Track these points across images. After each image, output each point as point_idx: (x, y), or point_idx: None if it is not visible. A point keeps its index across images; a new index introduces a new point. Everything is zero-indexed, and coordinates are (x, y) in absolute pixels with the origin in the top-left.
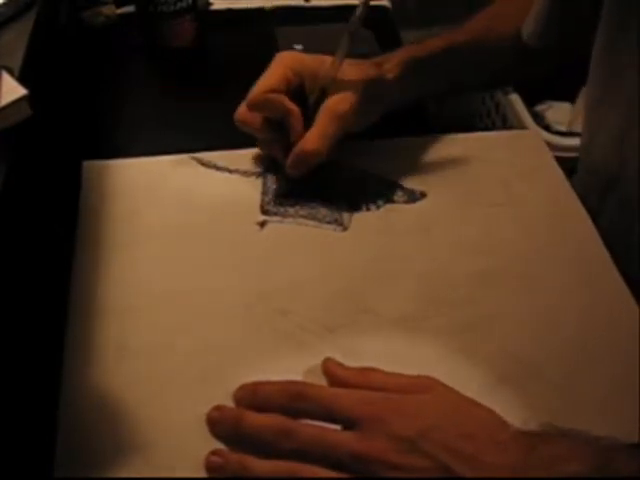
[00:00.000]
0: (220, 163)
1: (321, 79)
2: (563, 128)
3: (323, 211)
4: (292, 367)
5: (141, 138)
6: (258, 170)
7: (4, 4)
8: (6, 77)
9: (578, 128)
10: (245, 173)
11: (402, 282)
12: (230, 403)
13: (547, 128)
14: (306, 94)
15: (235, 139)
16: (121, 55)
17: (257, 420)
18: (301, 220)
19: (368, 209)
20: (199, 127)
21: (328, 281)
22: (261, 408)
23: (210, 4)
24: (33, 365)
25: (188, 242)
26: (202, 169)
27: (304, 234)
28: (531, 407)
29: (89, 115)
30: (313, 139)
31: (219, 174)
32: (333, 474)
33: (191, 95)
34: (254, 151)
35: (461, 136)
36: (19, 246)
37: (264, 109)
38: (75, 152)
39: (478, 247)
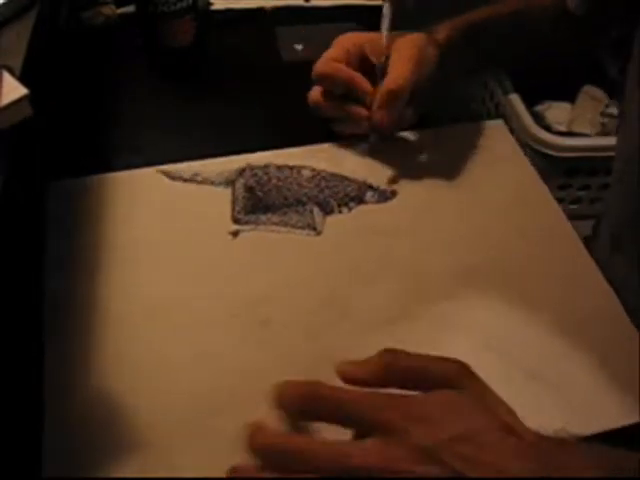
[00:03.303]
0: (186, 174)
1: (380, 48)
2: (563, 128)
3: (295, 217)
4: (278, 376)
5: (141, 138)
6: (226, 179)
7: (4, 4)
8: (7, 77)
9: (578, 128)
10: (213, 183)
11: (382, 283)
12: (219, 413)
13: (547, 128)
14: (369, 63)
15: (235, 138)
16: (121, 55)
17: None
18: (274, 227)
19: (340, 212)
20: (199, 127)
21: (307, 287)
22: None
23: (210, 4)
24: (28, 368)
25: (162, 257)
26: (169, 182)
27: (278, 241)
28: (526, 407)
29: (89, 115)
30: (394, 78)
31: (187, 186)
32: None
33: (191, 95)
34: (221, 160)
35: (428, 131)
36: (19, 246)
37: (329, 78)
38: (74, 152)
39: (453, 243)
